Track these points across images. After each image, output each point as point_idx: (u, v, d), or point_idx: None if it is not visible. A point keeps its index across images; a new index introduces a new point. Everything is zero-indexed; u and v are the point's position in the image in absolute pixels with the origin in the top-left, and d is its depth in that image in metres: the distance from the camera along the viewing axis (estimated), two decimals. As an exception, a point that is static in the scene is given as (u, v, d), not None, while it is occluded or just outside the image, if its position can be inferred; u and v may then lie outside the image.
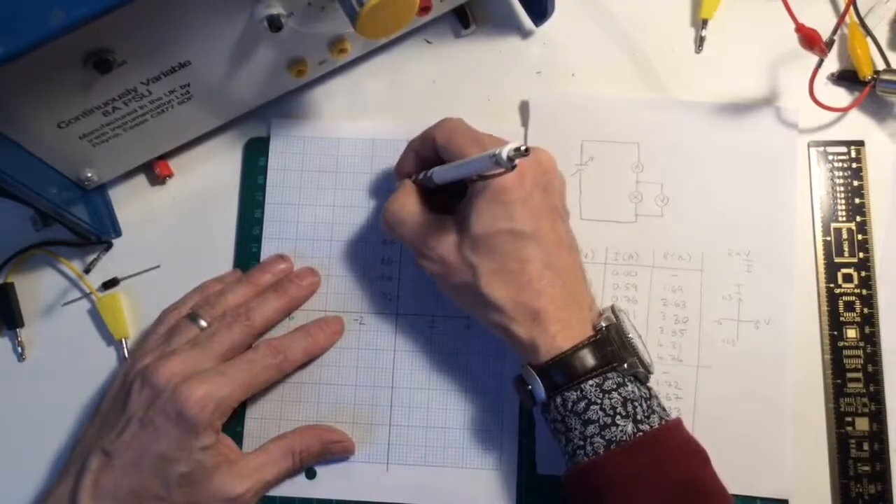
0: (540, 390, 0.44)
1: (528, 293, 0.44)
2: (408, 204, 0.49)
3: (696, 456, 0.44)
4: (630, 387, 0.44)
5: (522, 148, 0.38)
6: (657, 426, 0.43)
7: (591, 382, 0.43)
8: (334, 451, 0.51)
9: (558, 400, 0.44)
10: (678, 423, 0.44)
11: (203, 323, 0.50)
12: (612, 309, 0.47)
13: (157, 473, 0.46)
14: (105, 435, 0.47)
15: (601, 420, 0.43)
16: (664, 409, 0.45)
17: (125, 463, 0.46)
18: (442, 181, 0.48)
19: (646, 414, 0.43)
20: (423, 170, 0.50)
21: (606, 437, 0.43)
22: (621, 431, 0.42)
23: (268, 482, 0.49)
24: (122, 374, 0.50)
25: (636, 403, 0.43)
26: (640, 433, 0.43)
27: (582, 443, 0.43)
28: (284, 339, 0.52)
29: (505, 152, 0.39)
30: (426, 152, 0.50)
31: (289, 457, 0.50)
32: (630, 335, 0.45)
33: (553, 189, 0.47)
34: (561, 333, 0.44)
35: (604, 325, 0.45)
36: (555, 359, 0.44)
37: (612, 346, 0.44)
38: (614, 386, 0.43)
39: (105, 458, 0.46)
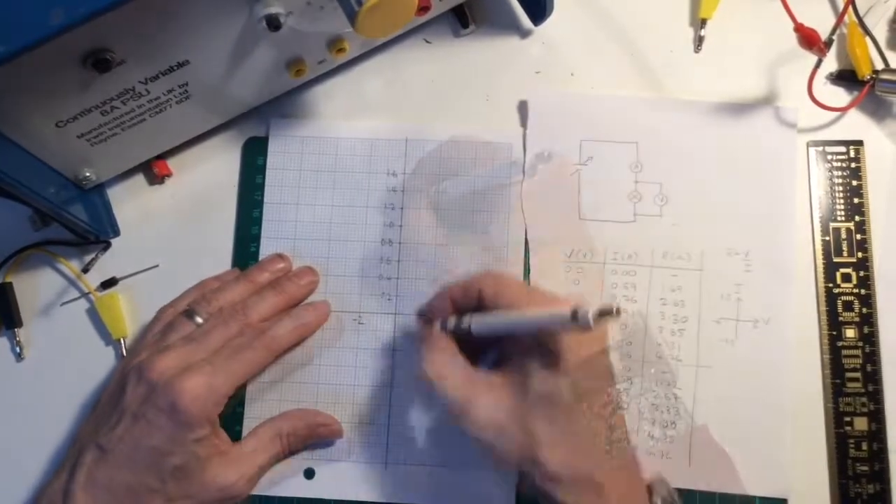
0: None
1: (589, 463, 0.42)
2: (447, 360, 0.46)
3: None
4: None
5: (614, 309, 0.36)
6: None
7: None
8: (321, 434, 0.51)
9: None
10: None
11: (199, 319, 0.50)
12: (662, 482, 0.45)
13: (151, 467, 0.46)
14: (100, 430, 0.47)
15: None
16: None
17: (119, 457, 0.46)
18: (481, 333, 0.45)
19: None
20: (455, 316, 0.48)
21: None
22: None
23: (260, 467, 0.49)
24: (119, 371, 0.50)
25: None
26: None
27: None
28: (269, 321, 0.51)
29: (591, 314, 0.36)
30: (467, 302, 0.47)
31: (277, 440, 0.50)
32: None
33: (607, 347, 0.45)
34: None
35: (659, 501, 0.44)
36: None
37: None
38: None
39: (99, 453, 0.46)
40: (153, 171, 0.56)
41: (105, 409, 0.48)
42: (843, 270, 0.53)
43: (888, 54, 0.55)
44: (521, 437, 0.43)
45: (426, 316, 0.51)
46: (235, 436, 0.52)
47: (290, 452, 0.51)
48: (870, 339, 0.52)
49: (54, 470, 0.51)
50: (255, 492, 0.51)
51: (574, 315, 0.37)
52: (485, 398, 0.44)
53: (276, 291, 0.52)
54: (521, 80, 0.57)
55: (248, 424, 0.52)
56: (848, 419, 0.51)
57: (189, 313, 0.50)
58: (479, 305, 0.47)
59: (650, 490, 0.45)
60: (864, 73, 0.54)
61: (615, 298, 0.53)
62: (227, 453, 0.48)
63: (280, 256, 0.54)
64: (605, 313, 0.36)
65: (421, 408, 0.53)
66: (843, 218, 0.54)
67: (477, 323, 0.46)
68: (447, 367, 0.46)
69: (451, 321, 0.48)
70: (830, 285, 0.53)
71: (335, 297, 0.54)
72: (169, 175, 0.56)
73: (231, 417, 0.49)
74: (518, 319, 0.43)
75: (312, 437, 0.51)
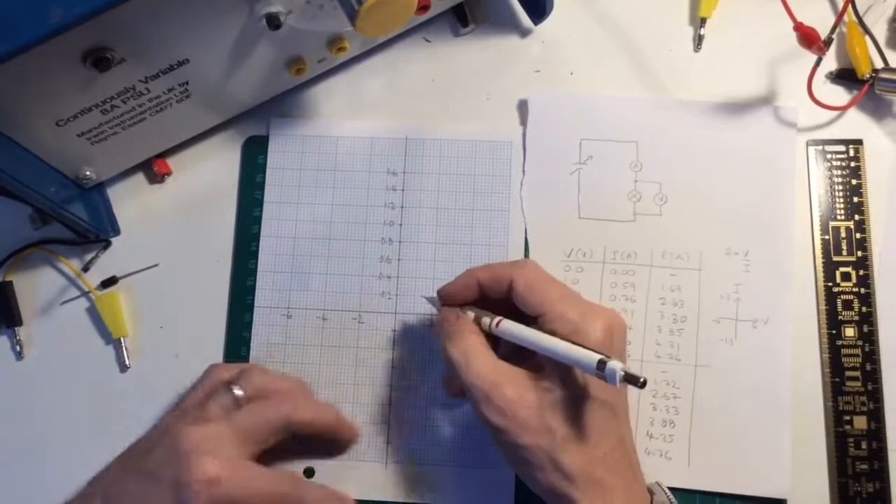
0: None
1: (602, 467, 0.43)
2: (477, 346, 0.46)
3: None
4: None
5: (641, 380, 0.38)
6: None
7: None
8: None
9: None
10: None
11: (237, 391, 0.45)
12: (659, 486, 0.46)
13: None
14: (116, 481, 0.44)
15: None
16: None
17: None
18: (510, 339, 0.45)
19: None
20: (476, 303, 0.47)
21: None
22: None
23: None
24: (163, 425, 0.46)
25: None
26: None
27: None
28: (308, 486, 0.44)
29: (618, 374, 0.38)
30: (494, 292, 0.47)
31: None
32: None
33: (625, 348, 0.46)
34: None
35: None
36: None
37: None
38: None
39: (103, 501, 0.43)
40: (153, 169, 0.56)
41: (131, 459, 0.45)
42: (842, 269, 0.53)
43: (887, 53, 0.55)
44: (541, 432, 0.43)
45: (444, 296, 0.49)
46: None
47: None
48: (869, 337, 0.52)
49: (55, 471, 0.50)
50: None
51: (600, 367, 0.39)
52: (509, 388, 0.44)
53: (331, 411, 0.45)
54: (520, 79, 0.57)
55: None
56: (847, 418, 0.51)
57: (230, 382, 0.45)
58: (508, 296, 0.46)
59: (650, 493, 0.45)
60: (864, 72, 0.54)
61: (614, 298, 0.53)
62: None
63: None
64: (633, 379, 0.38)
65: (422, 406, 0.53)
66: (842, 217, 0.54)
67: (507, 330, 0.45)
68: (474, 350, 0.45)
69: (476, 315, 0.47)
70: (830, 284, 0.53)
71: (335, 297, 0.54)
72: (169, 174, 0.56)
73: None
74: (546, 346, 0.43)
75: None
